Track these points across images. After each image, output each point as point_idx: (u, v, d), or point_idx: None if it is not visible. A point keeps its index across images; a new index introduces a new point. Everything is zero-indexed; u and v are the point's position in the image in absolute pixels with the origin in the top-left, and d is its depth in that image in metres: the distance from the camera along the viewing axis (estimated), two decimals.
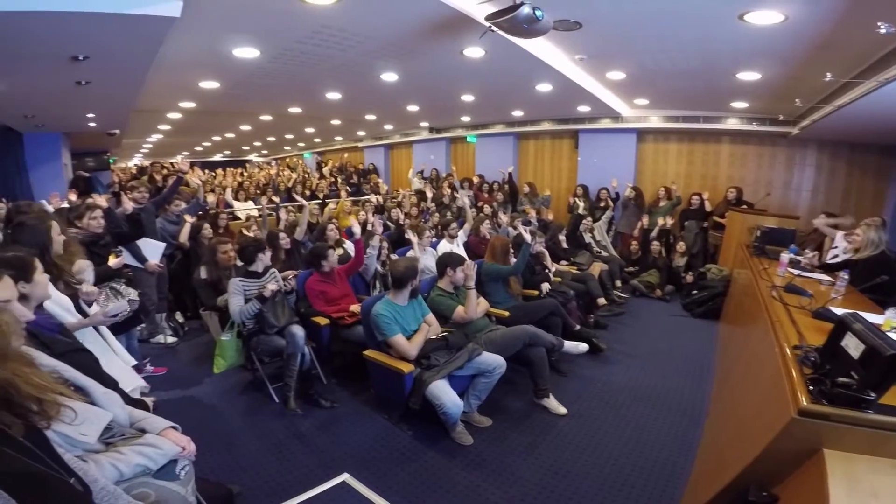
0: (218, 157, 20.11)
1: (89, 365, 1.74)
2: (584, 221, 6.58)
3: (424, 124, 10.77)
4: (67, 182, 7.54)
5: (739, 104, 6.12)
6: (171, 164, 10.79)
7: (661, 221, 6.41)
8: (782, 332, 2.04)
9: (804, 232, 5.45)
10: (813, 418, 1.37)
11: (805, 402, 1.40)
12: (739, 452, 1.74)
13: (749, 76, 4.65)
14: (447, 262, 3.41)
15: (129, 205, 3.57)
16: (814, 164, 6.64)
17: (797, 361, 1.66)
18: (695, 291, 5.55)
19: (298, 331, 3.20)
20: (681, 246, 6.29)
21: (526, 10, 2.82)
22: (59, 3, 2.53)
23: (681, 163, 7.74)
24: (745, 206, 6.28)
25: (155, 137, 11.93)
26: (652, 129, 7.67)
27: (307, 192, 9.06)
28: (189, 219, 4.74)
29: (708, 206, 6.67)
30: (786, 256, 3.62)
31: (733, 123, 6.80)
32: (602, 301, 4.92)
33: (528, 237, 4.09)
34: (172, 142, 13.51)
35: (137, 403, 1.75)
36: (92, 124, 6.90)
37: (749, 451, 1.60)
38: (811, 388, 1.46)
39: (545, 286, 4.23)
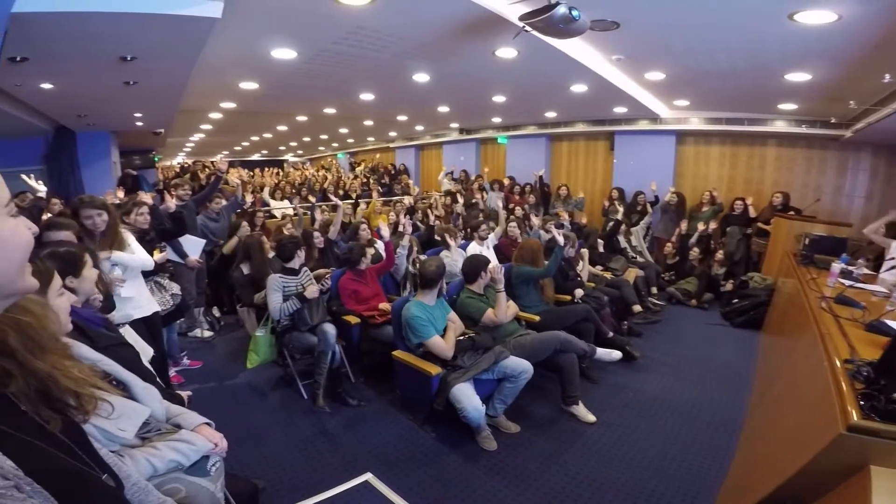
0: (256, 157, 20.73)
1: (131, 359, 1.80)
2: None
3: (455, 125, 10.75)
4: (116, 179, 7.92)
5: (787, 106, 5.83)
6: (212, 163, 11.12)
7: (701, 227, 6.17)
8: (832, 344, 1.95)
9: (857, 241, 5.13)
10: (863, 434, 1.32)
11: (856, 418, 1.34)
12: (778, 467, 1.69)
13: (799, 77, 4.42)
14: (478, 266, 3.39)
15: (171, 203, 3.71)
16: (868, 169, 6.24)
17: (848, 376, 1.59)
18: (735, 300, 5.32)
19: (330, 329, 3.24)
20: (720, 254, 6.03)
21: (562, 10, 2.76)
22: (109, 4, 2.66)
23: (723, 166, 7.44)
24: (791, 213, 5.97)
25: (197, 137, 12.38)
26: (692, 130, 7.40)
27: (340, 192, 9.22)
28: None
29: (752, 212, 6.38)
30: (837, 266, 3.42)
31: (780, 126, 6.48)
32: (637, 308, 4.78)
33: (560, 240, 4.01)
34: (214, 141, 14.00)
35: (173, 397, 1.80)
36: (139, 123, 7.22)
37: (789, 466, 1.55)
38: (862, 403, 1.41)
39: (578, 291, 4.14)
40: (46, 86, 4.44)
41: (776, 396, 2.72)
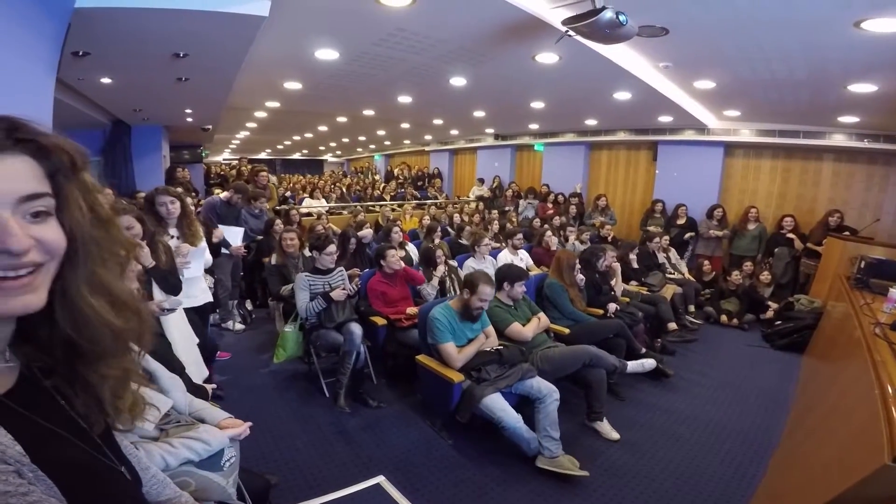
0: (297, 156, 21.32)
1: (162, 350, 1.85)
2: (655, 239, 6.15)
3: (490, 130, 10.67)
4: (165, 172, 8.27)
5: (848, 119, 5.47)
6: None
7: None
8: (885, 372, 1.86)
9: None
10: None
11: None
12: (812, 493, 1.66)
13: (863, 88, 4.14)
14: (506, 276, 3.31)
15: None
16: None
17: None
18: (779, 322, 5.03)
19: (357, 329, 3.25)
20: (766, 276, 5.71)
21: (608, 14, 2.66)
22: (166, 0, 2.79)
23: (774, 181, 7.06)
24: (846, 233, 5.59)
25: (243, 134, 12.84)
26: (742, 142, 7.06)
27: (375, 193, 9.37)
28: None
29: (798, 244, 6.03)
30: (895, 291, 3.17)
31: (839, 139, 6.08)
32: (672, 326, 4.59)
33: (612, 307, 3.97)
34: (258, 139, 14.50)
35: (198, 390, 1.83)
36: (189, 119, 7.52)
37: (824, 493, 1.51)
38: None
39: (612, 306, 3.99)
40: (106, 80, 4.66)
41: (816, 422, 2.62)
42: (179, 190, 3.71)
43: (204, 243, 3.09)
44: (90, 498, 0.63)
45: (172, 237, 2.88)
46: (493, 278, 3.29)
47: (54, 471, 0.57)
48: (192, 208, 3.59)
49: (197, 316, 2.92)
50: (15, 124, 0.55)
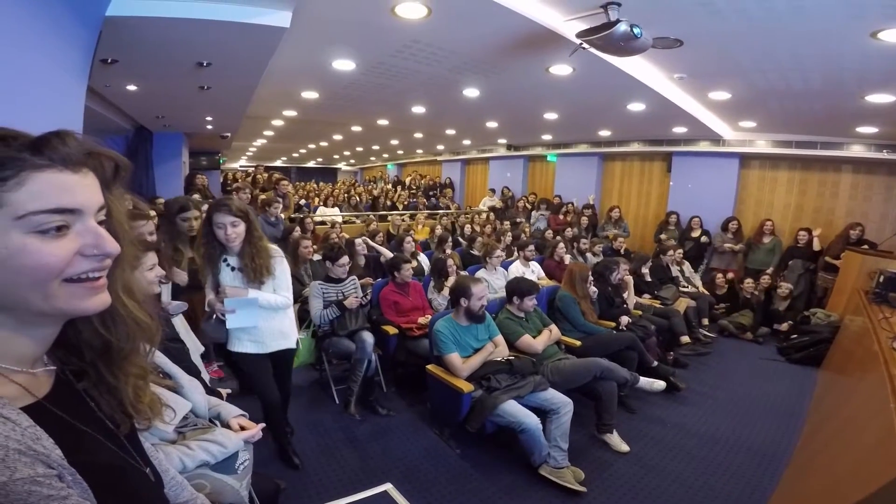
0: (311, 164, 21.58)
1: (180, 354, 1.89)
2: (669, 252, 6.08)
3: (502, 141, 10.66)
4: (184, 178, 8.44)
5: (866, 129, 5.39)
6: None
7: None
8: None
9: None
10: None
11: None
12: None
13: (881, 98, 4.10)
14: (515, 290, 3.32)
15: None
16: None
17: None
18: (794, 335, 4.94)
19: (369, 337, 3.29)
20: (783, 289, 5.62)
21: (623, 27, 2.68)
22: (190, 11, 2.86)
23: (791, 193, 6.96)
24: (865, 246, 5.49)
25: (259, 142, 13.04)
26: (758, 154, 6.97)
27: (389, 203, 9.43)
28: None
29: (817, 245, 5.93)
30: None
31: (857, 150, 5.98)
32: (685, 339, 4.53)
33: (624, 320, 3.96)
34: (274, 147, 14.71)
35: (212, 394, 1.88)
36: (209, 127, 7.66)
37: None
38: None
39: (624, 319, 3.96)
40: (132, 87, 4.78)
41: (831, 435, 2.61)
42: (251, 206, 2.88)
43: (279, 279, 2.32)
44: (120, 499, 0.65)
45: (232, 268, 2.22)
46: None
47: (88, 473, 0.59)
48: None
49: (271, 361, 2.42)
50: (78, 139, 0.60)
